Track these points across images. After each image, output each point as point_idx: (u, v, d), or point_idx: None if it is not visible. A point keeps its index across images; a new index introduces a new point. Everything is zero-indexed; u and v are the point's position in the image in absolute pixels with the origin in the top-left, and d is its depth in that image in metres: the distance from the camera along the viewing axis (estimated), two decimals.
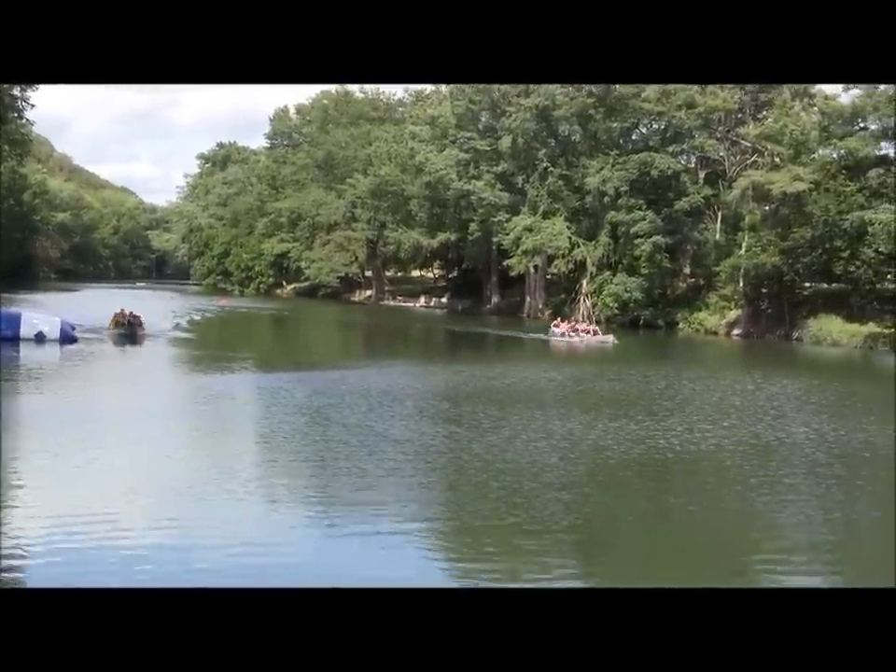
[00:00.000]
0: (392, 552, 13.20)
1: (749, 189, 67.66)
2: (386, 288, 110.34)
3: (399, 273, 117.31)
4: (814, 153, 67.88)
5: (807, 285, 68.95)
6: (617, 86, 76.49)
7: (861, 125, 65.45)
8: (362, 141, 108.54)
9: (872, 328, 60.75)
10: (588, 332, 58.48)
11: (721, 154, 78.21)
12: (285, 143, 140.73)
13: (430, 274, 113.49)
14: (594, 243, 77.64)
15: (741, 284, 68.67)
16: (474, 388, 31.44)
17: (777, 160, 69.43)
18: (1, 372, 28.60)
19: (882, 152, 64.89)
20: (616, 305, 74.02)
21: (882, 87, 63.28)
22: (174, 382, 32.41)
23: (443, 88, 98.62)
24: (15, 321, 38.47)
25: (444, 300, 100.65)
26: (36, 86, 75.72)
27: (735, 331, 69.94)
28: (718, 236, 76.11)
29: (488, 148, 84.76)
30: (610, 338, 56.87)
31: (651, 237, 72.39)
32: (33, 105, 78.62)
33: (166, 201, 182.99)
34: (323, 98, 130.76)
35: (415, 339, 65.00)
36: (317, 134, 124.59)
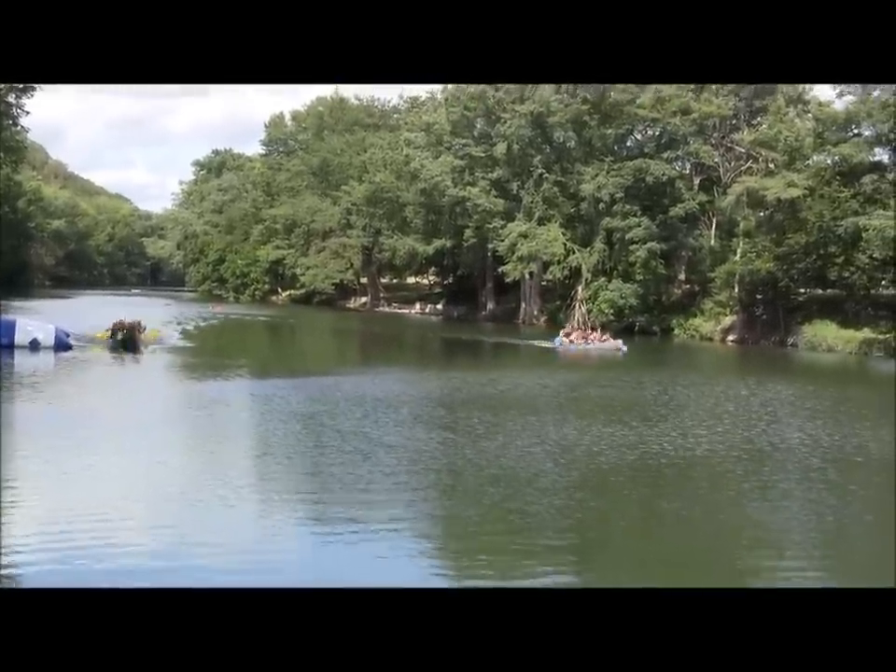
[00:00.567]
0: (385, 557, 13.18)
1: (744, 196, 67.82)
2: (382, 295, 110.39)
3: (395, 280, 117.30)
4: (808, 159, 68.05)
5: (802, 290, 69.03)
6: (612, 93, 76.70)
7: (855, 131, 65.54)
8: (357, 148, 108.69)
9: (867, 333, 60.88)
10: (598, 339, 56.93)
11: (716, 160, 78.33)
12: (280, 149, 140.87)
13: (426, 281, 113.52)
14: (589, 249, 77.73)
15: (736, 290, 68.78)
16: (498, 398, 31.37)
17: (771, 166, 69.56)
18: None
19: (876, 158, 65.06)
20: (611, 311, 74.01)
21: (876, 93, 63.52)
22: (169, 388, 32.31)
23: (438, 95, 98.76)
24: (10, 328, 38.31)
25: (440, 306, 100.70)
26: (31, 93, 75.72)
27: (731, 337, 70.02)
28: (713, 242, 76.26)
29: (483, 155, 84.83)
30: (621, 343, 55.39)
31: (646, 243, 72.47)
32: (27, 113, 78.62)
33: (161, 207, 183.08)
34: (318, 105, 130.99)
35: (416, 346, 64.93)
36: (313, 141, 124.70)
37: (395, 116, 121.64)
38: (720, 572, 13.36)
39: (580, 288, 78.49)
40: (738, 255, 69.03)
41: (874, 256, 61.49)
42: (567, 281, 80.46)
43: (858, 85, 64.82)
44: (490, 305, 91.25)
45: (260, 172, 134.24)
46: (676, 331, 73.32)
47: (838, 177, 63.65)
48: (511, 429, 23.99)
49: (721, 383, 40.45)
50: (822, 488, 19.06)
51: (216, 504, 15.49)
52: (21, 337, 38.00)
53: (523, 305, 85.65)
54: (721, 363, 58.41)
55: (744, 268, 66.55)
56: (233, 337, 65.80)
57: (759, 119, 78.51)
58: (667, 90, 74.32)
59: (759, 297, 68.98)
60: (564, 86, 79.46)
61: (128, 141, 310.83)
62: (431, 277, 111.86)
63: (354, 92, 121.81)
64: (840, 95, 66.53)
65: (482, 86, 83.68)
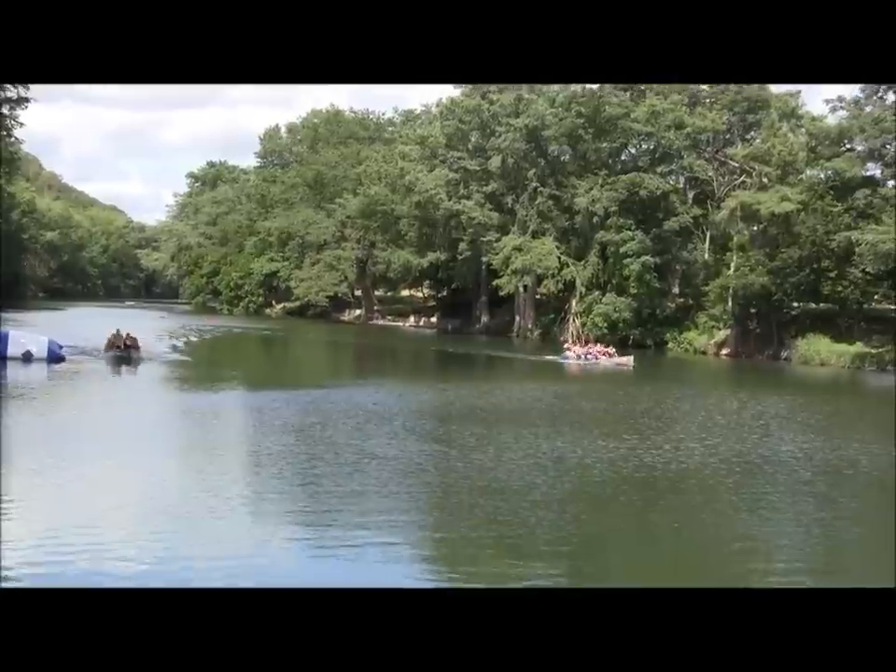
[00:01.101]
0: (376, 566, 13.21)
1: (738, 210, 68.00)
2: (376, 308, 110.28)
3: (389, 293, 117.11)
4: (801, 174, 68.30)
5: (796, 305, 69.08)
6: (606, 107, 76.88)
7: (848, 146, 65.81)
8: (352, 160, 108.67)
9: (859, 347, 60.99)
10: (604, 354, 55.86)
11: (710, 174, 78.57)
12: (275, 162, 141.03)
13: (420, 294, 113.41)
14: (583, 262, 77.82)
15: (730, 303, 68.80)
16: (512, 413, 31.42)
17: (764, 180, 69.71)
18: None
19: (869, 173, 65.31)
20: (605, 325, 73.98)
21: (868, 108, 63.85)
22: (162, 400, 32.25)
23: (433, 108, 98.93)
24: (3, 340, 38.30)
25: (434, 319, 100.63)
26: (26, 104, 75.75)
27: (724, 351, 70.11)
28: (706, 256, 76.35)
29: (478, 168, 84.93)
30: (631, 359, 54.31)
31: (640, 257, 72.56)
32: (22, 124, 78.62)
33: (155, 219, 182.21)
34: (313, 117, 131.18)
35: (419, 362, 64.81)
36: (307, 154, 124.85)
37: (390, 129, 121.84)
38: (710, 581, 13.35)
39: (574, 302, 78.59)
40: (732, 269, 69.11)
41: (866, 270, 61.64)
42: (561, 294, 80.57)
43: (850, 100, 65.24)
44: (484, 318, 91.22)
45: (255, 184, 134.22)
46: (670, 345, 73.37)
47: (831, 192, 63.88)
48: (531, 442, 24.09)
49: (713, 396, 40.52)
50: (809, 500, 19.23)
51: (206, 515, 15.49)
52: (13, 349, 37.97)
53: (517, 318, 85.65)
54: (715, 377, 58.42)
55: (738, 282, 66.63)
56: (228, 350, 65.71)
57: (752, 133, 78.91)
58: (662, 103, 74.66)
59: (752, 311, 69.06)
60: (558, 99, 79.75)
61: (122, 153, 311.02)
62: (425, 290, 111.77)
63: (349, 105, 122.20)
64: (833, 110, 66.94)
65: (476, 99, 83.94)
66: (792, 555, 15.09)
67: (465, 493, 18.09)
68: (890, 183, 64.55)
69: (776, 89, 77.48)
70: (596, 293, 76.51)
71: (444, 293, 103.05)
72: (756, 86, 77.52)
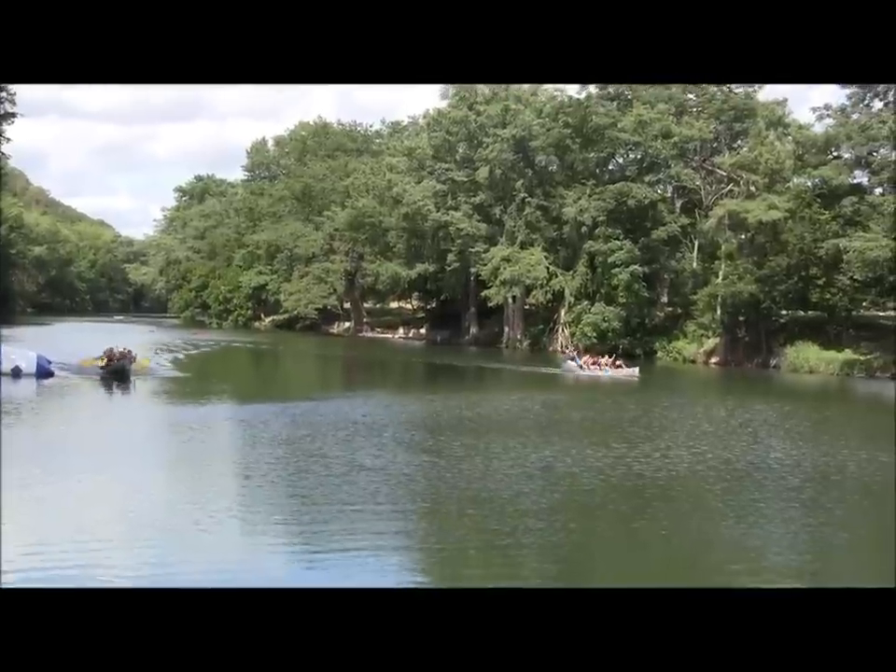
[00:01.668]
0: (365, 574, 13.17)
1: (725, 218, 68.20)
2: (365, 320, 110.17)
3: (378, 305, 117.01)
4: (789, 182, 68.57)
5: (784, 312, 69.23)
6: (593, 116, 77.01)
7: (835, 154, 66.06)
8: (340, 173, 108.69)
9: (848, 355, 61.13)
10: (610, 365, 54.73)
11: (697, 183, 78.78)
12: (262, 175, 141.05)
13: (409, 306, 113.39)
14: (571, 273, 77.88)
15: (718, 312, 68.89)
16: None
17: (752, 188, 69.95)
18: None
19: (856, 181, 65.53)
20: (594, 335, 74.00)
21: (855, 116, 64.13)
22: (152, 414, 32.14)
23: (420, 120, 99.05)
24: None
25: (423, 331, 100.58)
26: (12, 119, 75.54)
27: (714, 360, 70.17)
28: (695, 265, 76.49)
29: (465, 179, 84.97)
30: (637, 370, 53.64)
31: (628, 266, 72.64)
32: (8, 139, 78.33)
33: (143, 234, 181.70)
34: (301, 130, 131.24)
35: (408, 373, 64.72)
36: (295, 166, 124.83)
37: (377, 141, 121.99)
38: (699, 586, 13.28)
39: (563, 312, 78.68)
40: (720, 277, 69.23)
41: (854, 277, 61.87)
42: (549, 305, 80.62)
43: (837, 108, 65.53)
44: (473, 329, 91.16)
45: (243, 197, 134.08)
46: (659, 354, 73.39)
47: (818, 199, 64.08)
48: (521, 452, 23.98)
49: (701, 404, 40.57)
50: (796, 506, 19.32)
51: (195, 527, 15.42)
52: (2, 365, 37.84)
53: (506, 329, 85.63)
54: (703, 385, 58.48)
55: (726, 290, 66.76)
56: (218, 364, 65.48)
57: (739, 141, 79.15)
58: (649, 113, 74.87)
59: (741, 319, 69.18)
60: (545, 110, 79.94)
61: (110, 167, 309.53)
62: (414, 302, 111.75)
63: (336, 117, 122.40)
64: (820, 118, 67.28)
65: (463, 110, 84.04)
66: (779, 561, 15.11)
67: (453, 502, 18.06)
68: (877, 190, 64.81)
69: (762, 97, 77.91)
70: (585, 303, 76.54)
71: (433, 305, 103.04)
72: (742, 94, 77.95)
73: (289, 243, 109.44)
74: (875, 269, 58.89)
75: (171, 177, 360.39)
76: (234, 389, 42.59)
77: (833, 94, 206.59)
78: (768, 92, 78.56)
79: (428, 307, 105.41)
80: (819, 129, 67.47)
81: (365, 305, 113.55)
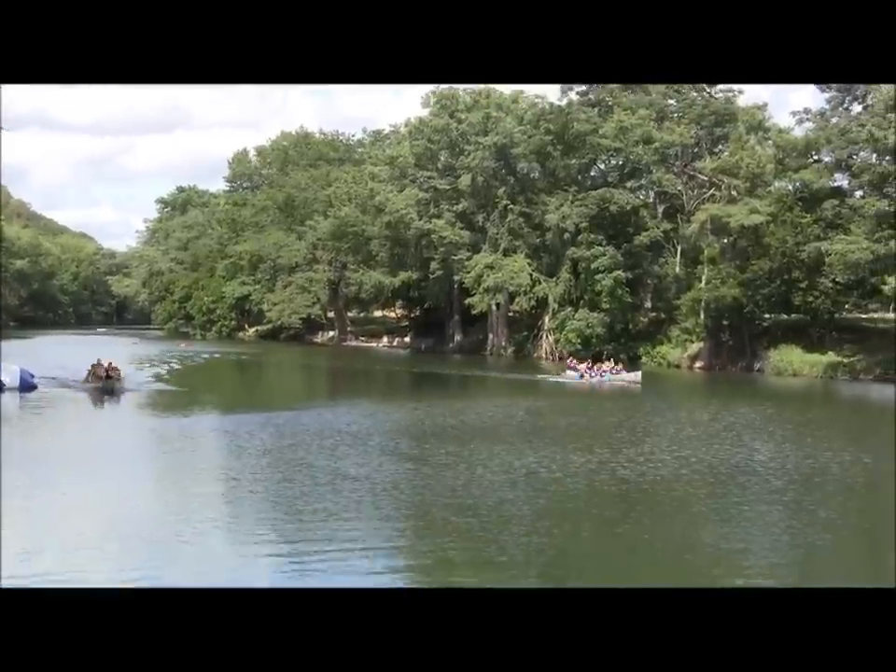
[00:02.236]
0: (351, 579, 13.19)
1: (708, 223, 68.35)
2: (349, 329, 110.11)
3: (362, 314, 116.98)
4: (770, 186, 68.72)
5: (767, 316, 69.38)
6: (575, 123, 77.13)
7: (815, 157, 66.31)
8: (322, 182, 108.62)
9: (831, 357, 61.30)
10: (610, 371, 54.19)
11: (679, 188, 78.93)
12: (244, 185, 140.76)
13: (392, 314, 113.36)
14: (555, 279, 77.95)
15: (702, 316, 69.03)
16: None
17: (733, 193, 70.08)
18: None
19: (836, 184, 65.76)
20: (579, 341, 74.07)
21: (834, 120, 64.43)
22: (137, 425, 32.05)
23: (402, 128, 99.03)
24: None
25: (407, 339, 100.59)
26: None
27: (698, 364, 70.22)
28: (678, 270, 76.63)
29: (448, 187, 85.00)
30: (639, 375, 53.22)
31: (611, 272, 72.76)
32: None
33: (126, 246, 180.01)
34: (282, 140, 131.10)
35: (392, 382, 64.60)
36: (277, 176, 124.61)
37: (359, 150, 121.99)
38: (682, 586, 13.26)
39: (547, 319, 78.72)
40: (703, 282, 69.37)
41: (836, 280, 62.07)
42: (533, 311, 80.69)
43: (816, 112, 65.85)
44: (457, 337, 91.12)
45: (225, 208, 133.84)
46: (643, 359, 73.34)
47: (800, 203, 64.24)
48: (504, 458, 23.93)
49: (685, 408, 40.67)
50: (781, 508, 19.35)
51: (180, 538, 15.36)
52: None
53: (490, 336, 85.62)
54: (688, 389, 58.56)
55: (709, 295, 66.89)
56: (203, 375, 65.15)
57: (720, 146, 79.29)
58: (630, 119, 75.05)
59: (725, 323, 69.28)
60: (526, 117, 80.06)
61: (91, 179, 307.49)
62: (398, 310, 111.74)
63: (318, 127, 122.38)
64: (800, 122, 67.53)
65: (445, 118, 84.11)
66: (762, 563, 15.11)
67: (438, 509, 18.04)
68: (858, 193, 65.05)
69: (742, 102, 78.17)
70: (569, 309, 76.61)
71: (417, 313, 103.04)
72: (723, 99, 78.25)
73: (272, 253, 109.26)
74: (856, 271, 59.10)
75: (153, 189, 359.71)
76: (219, 400, 42.47)
77: (812, 98, 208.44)
78: (748, 97, 78.99)
79: (412, 315, 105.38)
80: (799, 133, 67.74)
81: (349, 314, 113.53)
